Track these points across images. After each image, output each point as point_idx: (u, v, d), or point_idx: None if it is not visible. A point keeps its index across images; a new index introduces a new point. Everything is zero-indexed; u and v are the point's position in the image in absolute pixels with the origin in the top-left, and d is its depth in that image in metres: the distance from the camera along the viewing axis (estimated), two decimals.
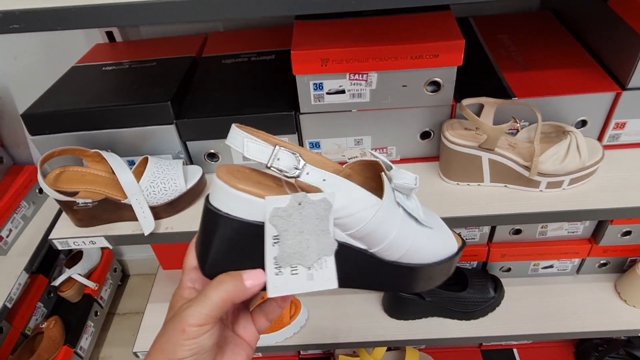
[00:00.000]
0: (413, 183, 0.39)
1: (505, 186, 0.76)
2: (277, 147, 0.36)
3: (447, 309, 0.99)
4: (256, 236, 0.36)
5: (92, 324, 1.47)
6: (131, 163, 0.81)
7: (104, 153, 0.72)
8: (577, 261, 1.03)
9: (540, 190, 0.74)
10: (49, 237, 0.76)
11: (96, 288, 1.46)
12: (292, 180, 0.38)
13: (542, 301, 1.03)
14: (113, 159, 0.72)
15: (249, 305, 0.44)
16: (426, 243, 0.40)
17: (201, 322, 0.35)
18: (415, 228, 0.40)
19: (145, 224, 0.72)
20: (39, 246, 1.24)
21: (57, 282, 1.36)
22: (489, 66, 0.82)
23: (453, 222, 0.73)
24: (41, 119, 0.76)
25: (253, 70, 0.86)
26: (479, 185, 0.76)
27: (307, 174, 0.36)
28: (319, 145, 0.80)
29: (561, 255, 1.01)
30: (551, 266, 1.05)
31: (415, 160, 0.83)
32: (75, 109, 0.76)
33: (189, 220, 0.76)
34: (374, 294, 1.06)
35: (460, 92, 0.75)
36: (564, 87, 0.75)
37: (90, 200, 0.71)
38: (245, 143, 0.35)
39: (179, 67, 0.87)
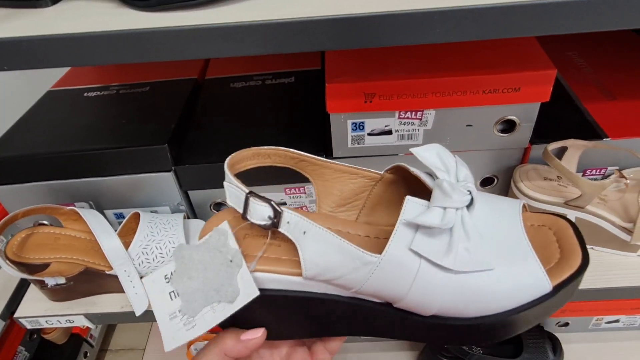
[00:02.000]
0: (438, 223, 0.30)
1: (592, 248, 0.60)
2: (250, 197, 0.32)
3: None
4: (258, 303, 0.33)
5: None
6: (120, 216, 0.65)
7: (81, 211, 0.56)
8: None
9: (639, 255, 0.58)
10: (15, 316, 0.60)
11: (85, 327, 1.31)
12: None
13: None
14: (93, 219, 0.56)
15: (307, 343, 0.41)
16: (474, 294, 0.31)
17: None
18: (447, 280, 0.30)
19: (137, 301, 0.56)
20: (18, 286, 1.08)
21: None
22: (564, 94, 0.66)
23: None
24: (4, 165, 0.60)
25: (269, 96, 0.70)
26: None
27: (288, 223, 0.31)
28: None
29: (631, 310, 0.86)
30: (617, 321, 0.89)
31: None
32: (47, 152, 0.60)
33: None
34: (407, 354, 0.91)
35: (534, 129, 0.59)
36: None
37: (63, 280, 0.55)
38: (226, 187, 0.34)
39: (177, 93, 0.70)
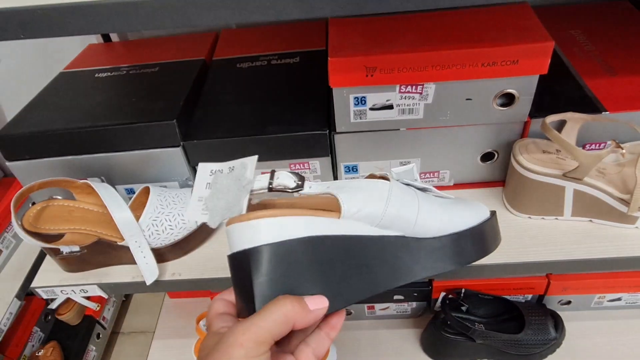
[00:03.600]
0: (411, 168, 0.42)
1: (591, 221, 0.61)
2: (276, 171, 0.36)
3: (501, 351, 0.85)
4: (297, 252, 0.35)
5: (94, 348, 1.34)
6: (130, 192, 0.68)
7: (94, 184, 0.58)
8: None
9: (637, 227, 0.59)
10: (31, 286, 0.63)
11: (98, 309, 1.34)
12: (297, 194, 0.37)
13: (611, 340, 0.88)
14: (105, 192, 0.58)
15: (286, 348, 0.38)
16: (456, 210, 0.42)
17: (260, 337, 0.32)
18: (436, 199, 0.42)
19: (147, 271, 0.59)
20: (33, 267, 1.11)
21: (54, 305, 1.24)
22: (565, 70, 0.66)
23: (524, 269, 0.59)
24: (19, 141, 0.62)
25: (274, 76, 0.72)
26: (556, 219, 0.62)
27: (310, 187, 0.36)
28: (357, 169, 0.66)
29: (633, 288, 0.87)
30: (619, 299, 0.90)
31: (473, 186, 0.68)
32: (60, 129, 0.62)
33: (201, 263, 0.63)
34: (412, 333, 0.93)
35: (534, 103, 0.60)
36: None
37: (77, 248, 0.58)
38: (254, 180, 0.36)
39: (186, 73, 0.72)
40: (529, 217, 0.62)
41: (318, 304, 0.34)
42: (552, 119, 0.56)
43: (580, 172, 0.55)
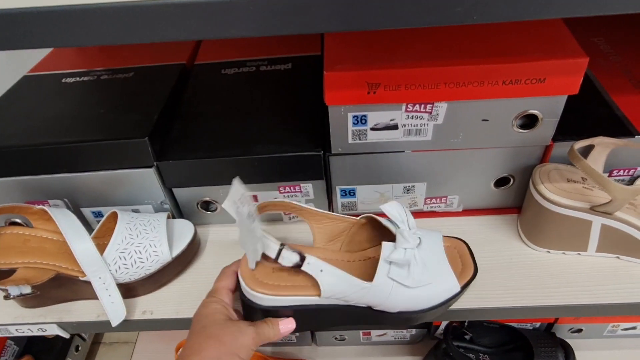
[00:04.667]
0: (402, 258, 0.45)
1: (618, 257, 0.54)
2: (283, 248, 0.44)
3: None
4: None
5: None
6: (98, 215, 0.60)
7: (51, 210, 0.51)
8: None
9: None
10: None
11: None
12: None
13: None
14: (64, 219, 0.50)
15: None
16: (421, 298, 0.47)
17: (257, 344, 0.45)
18: (407, 293, 0.46)
19: (113, 311, 0.51)
20: None
21: None
22: (590, 85, 0.59)
23: (543, 312, 0.52)
24: None
25: (263, 84, 0.64)
26: (579, 254, 0.55)
27: (309, 264, 0.44)
28: (354, 194, 0.58)
29: None
30: (634, 327, 0.83)
31: (484, 212, 0.61)
32: (17, 144, 0.54)
33: (176, 299, 0.55)
34: (408, 358, 0.86)
35: (559, 126, 0.53)
36: None
37: (29, 290, 0.50)
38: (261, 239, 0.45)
39: (163, 80, 0.64)
40: (548, 252, 0.55)
41: (288, 327, 0.47)
42: (581, 144, 0.49)
43: (613, 207, 0.48)
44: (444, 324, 0.81)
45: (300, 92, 0.62)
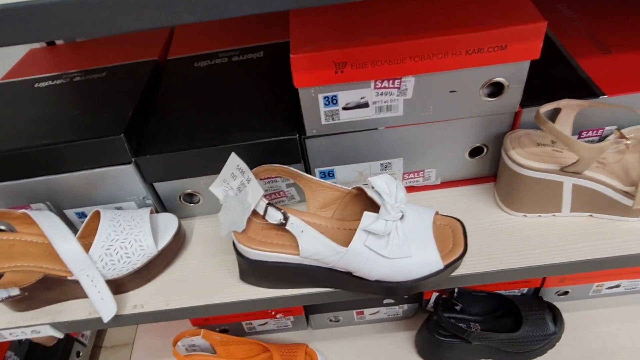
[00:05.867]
0: (382, 230, 0.47)
1: (591, 216, 0.56)
2: (269, 206, 0.48)
3: (499, 350, 0.81)
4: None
5: None
6: (82, 216, 0.60)
7: (33, 213, 0.51)
8: None
9: None
10: None
11: None
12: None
13: (612, 329, 0.84)
14: (47, 221, 0.51)
15: None
16: (400, 270, 0.49)
17: None
18: (384, 262, 0.49)
19: (103, 307, 0.52)
20: None
21: None
22: (555, 51, 0.60)
23: (521, 274, 0.53)
24: None
25: (236, 74, 0.64)
26: (554, 216, 0.56)
27: (292, 224, 0.48)
28: (334, 174, 0.59)
29: (633, 274, 0.83)
30: (618, 286, 0.86)
31: (462, 183, 0.62)
32: None
33: (166, 291, 0.56)
34: (405, 336, 0.87)
35: (525, 91, 0.54)
36: None
37: (17, 291, 0.50)
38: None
39: (136, 77, 0.64)
40: (525, 216, 0.57)
41: None
42: (546, 108, 0.50)
43: (581, 166, 0.49)
44: (434, 296, 0.82)
45: (273, 78, 0.62)
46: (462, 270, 0.53)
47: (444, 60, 0.46)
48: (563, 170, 0.51)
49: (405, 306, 0.86)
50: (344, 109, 0.51)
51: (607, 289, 0.86)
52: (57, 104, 0.62)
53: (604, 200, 0.53)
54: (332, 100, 0.50)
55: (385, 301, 0.84)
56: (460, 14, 0.47)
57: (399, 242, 0.48)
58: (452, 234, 0.53)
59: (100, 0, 0.28)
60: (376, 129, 0.54)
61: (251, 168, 0.57)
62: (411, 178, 0.61)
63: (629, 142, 0.47)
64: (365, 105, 0.51)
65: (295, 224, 0.48)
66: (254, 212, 0.48)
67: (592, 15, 0.65)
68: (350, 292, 0.53)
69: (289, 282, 0.53)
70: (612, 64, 0.57)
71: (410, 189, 0.62)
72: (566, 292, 0.87)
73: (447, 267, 0.50)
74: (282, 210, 0.48)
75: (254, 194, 0.48)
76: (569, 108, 0.52)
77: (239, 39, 0.71)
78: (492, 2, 0.48)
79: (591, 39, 0.61)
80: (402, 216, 0.50)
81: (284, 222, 0.47)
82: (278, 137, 0.54)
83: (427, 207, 0.54)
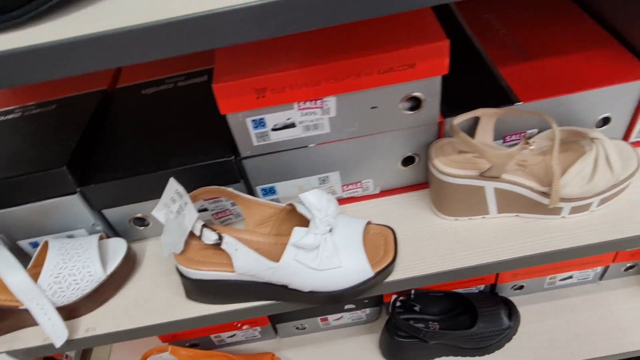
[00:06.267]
0: (310, 244, 0.51)
1: (517, 216, 0.59)
2: (204, 227, 0.51)
3: (459, 348, 0.84)
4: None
5: None
6: (35, 245, 0.63)
7: None
8: (599, 268, 0.88)
9: (563, 217, 0.57)
10: None
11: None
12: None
13: (565, 320, 0.87)
14: None
15: None
16: (331, 280, 0.52)
17: None
18: (315, 274, 0.52)
19: (55, 333, 0.54)
20: None
21: None
22: (479, 60, 0.64)
23: (454, 275, 0.56)
24: None
25: (180, 100, 0.67)
26: (483, 218, 0.60)
27: (226, 243, 0.50)
28: (275, 191, 0.62)
29: (582, 265, 0.86)
30: (570, 277, 0.89)
31: (399, 191, 0.65)
32: None
33: (118, 313, 0.58)
34: (369, 339, 0.90)
35: (447, 101, 0.57)
36: (578, 79, 0.57)
37: None
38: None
39: (83, 108, 0.67)
40: (456, 219, 0.60)
41: None
42: (460, 119, 0.53)
43: (495, 171, 0.53)
44: (393, 299, 0.85)
45: (212, 102, 0.65)
46: (396, 275, 0.56)
47: (357, 80, 0.49)
48: (482, 175, 0.54)
49: (368, 310, 0.89)
50: (273, 130, 0.54)
51: (560, 280, 0.90)
52: (8, 138, 0.64)
53: (525, 200, 0.56)
54: (260, 123, 0.53)
55: (346, 306, 0.87)
56: (371, 36, 0.50)
57: (328, 254, 0.51)
58: (384, 242, 0.56)
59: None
60: (307, 146, 0.57)
61: (193, 190, 0.60)
62: (350, 189, 0.64)
63: (532, 147, 0.50)
64: (293, 125, 0.54)
65: (229, 243, 0.50)
66: (192, 234, 0.51)
67: (516, 23, 0.69)
68: (289, 304, 0.55)
69: (231, 298, 0.55)
70: (529, 70, 0.60)
71: (351, 199, 0.65)
72: (521, 287, 0.90)
73: (378, 274, 0.53)
74: (217, 231, 0.51)
75: (190, 216, 0.50)
76: (487, 116, 0.56)
77: (185, 64, 0.74)
78: (401, 23, 0.51)
79: (514, 48, 0.64)
80: (332, 229, 0.53)
81: (218, 242, 0.50)
82: (215, 160, 0.57)
83: (359, 218, 0.57)
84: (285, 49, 0.51)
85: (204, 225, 0.51)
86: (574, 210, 0.57)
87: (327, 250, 0.51)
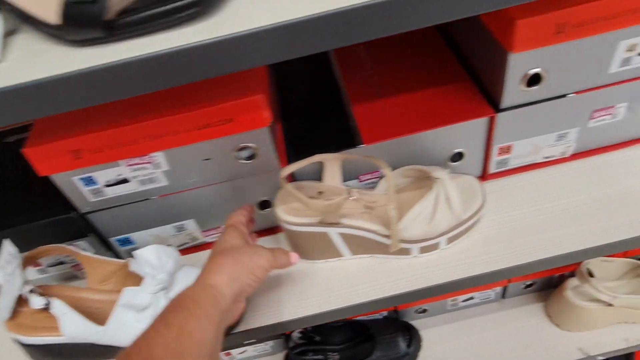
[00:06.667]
0: (139, 304, 0.50)
1: (372, 256, 0.59)
2: (32, 294, 0.50)
3: None
4: None
5: None
6: None
7: None
8: (499, 288, 0.89)
9: (415, 256, 0.57)
10: None
11: None
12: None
13: (469, 341, 0.88)
14: None
15: None
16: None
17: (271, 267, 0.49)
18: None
19: None
20: None
21: None
22: (337, 97, 0.63)
23: (307, 322, 0.56)
24: None
25: (11, 155, 0.63)
26: (339, 260, 0.59)
27: (54, 308, 0.50)
28: (131, 241, 0.61)
29: (482, 287, 0.86)
30: (471, 298, 0.89)
31: (263, 234, 0.64)
32: None
33: None
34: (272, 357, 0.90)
35: (294, 144, 0.57)
36: (428, 117, 0.57)
37: None
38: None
39: None
40: (314, 262, 0.59)
41: (295, 258, 0.51)
42: (288, 171, 0.52)
43: (329, 219, 0.52)
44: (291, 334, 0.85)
45: None
46: (249, 323, 0.56)
47: (176, 137, 0.48)
48: (322, 223, 0.53)
49: (271, 342, 0.88)
50: (107, 185, 0.53)
51: (462, 302, 0.90)
52: None
53: (373, 243, 0.56)
54: (89, 181, 0.52)
55: (248, 340, 0.86)
56: (191, 91, 0.49)
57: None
58: None
59: None
60: (149, 198, 0.56)
61: (34, 247, 0.58)
62: (212, 234, 0.63)
63: (353, 197, 0.50)
64: (126, 180, 0.53)
65: (57, 308, 0.49)
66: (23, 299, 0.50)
67: (383, 58, 0.67)
68: None
69: (73, 359, 0.54)
70: (382, 110, 0.59)
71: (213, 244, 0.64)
72: (425, 310, 0.90)
73: None
74: (46, 295, 0.49)
75: (17, 281, 0.49)
76: (328, 161, 0.55)
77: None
78: (222, 79, 0.50)
79: (373, 84, 0.64)
80: (172, 284, 0.52)
81: (46, 307, 0.49)
82: (57, 217, 0.55)
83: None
84: (105, 108, 0.50)
85: (31, 290, 0.49)
86: (424, 250, 0.56)
87: (160, 309, 0.50)
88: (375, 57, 0.68)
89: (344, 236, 0.55)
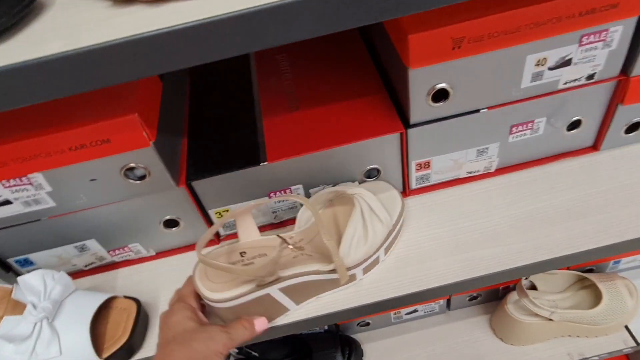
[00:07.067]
0: (21, 335, 0.47)
1: (317, 298, 0.54)
2: None
3: None
4: None
5: None
6: None
7: None
8: (442, 301, 0.86)
9: (360, 279, 0.54)
10: None
11: None
12: None
13: (413, 354, 0.85)
14: None
15: None
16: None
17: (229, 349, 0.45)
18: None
19: None
20: None
21: None
22: (249, 111, 0.60)
23: None
24: None
25: None
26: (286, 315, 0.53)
27: None
28: (31, 262, 0.58)
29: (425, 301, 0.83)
30: (415, 310, 0.87)
31: (179, 251, 0.61)
32: None
33: None
34: None
35: (195, 162, 0.54)
36: (335, 134, 0.54)
37: None
38: None
39: None
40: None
41: (262, 325, 0.48)
42: (203, 243, 0.46)
43: (263, 280, 0.47)
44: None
45: None
46: (144, 353, 0.53)
47: (48, 159, 0.46)
48: (259, 286, 0.48)
49: None
50: None
51: (406, 314, 0.87)
52: None
53: (318, 283, 0.51)
54: None
55: None
56: (68, 110, 0.46)
57: (44, 344, 0.47)
58: (126, 319, 0.53)
59: None
60: (39, 219, 0.53)
61: None
62: (119, 253, 0.60)
63: (290, 246, 0.46)
64: (9, 202, 0.50)
65: None
66: None
67: (303, 68, 0.64)
68: None
69: None
70: (293, 124, 0.56)
71: (125, 263, 0.61)
72: (368, 324, 0.88)
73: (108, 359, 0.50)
74: None
75: None
76: (238, 215, 0.50)
77: None
78: (100, 95, 0.47)
79: (289, 96, 0.60)
80: (57, 312, 0.49)
81: None
82: None
83: (101, 293, 0.53)
84: None
85: None
86: (366, 270, 0.53)
87: (44, 340, 0.47)
88: (295, 67, 0.65)
89: (286, 290, 0.50)
